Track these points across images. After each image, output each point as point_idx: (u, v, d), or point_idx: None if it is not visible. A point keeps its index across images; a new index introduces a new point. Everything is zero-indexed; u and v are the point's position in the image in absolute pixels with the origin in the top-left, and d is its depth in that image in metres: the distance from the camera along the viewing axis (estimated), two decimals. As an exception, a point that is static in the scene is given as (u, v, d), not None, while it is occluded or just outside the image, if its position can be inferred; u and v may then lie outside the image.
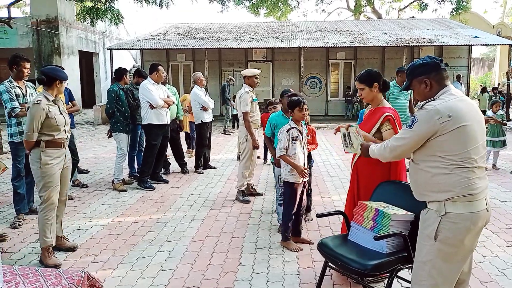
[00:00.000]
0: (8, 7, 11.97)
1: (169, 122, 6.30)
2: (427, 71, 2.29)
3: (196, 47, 14.87)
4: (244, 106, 5.40)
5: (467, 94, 15.96)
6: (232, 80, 12.90)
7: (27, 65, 4.66)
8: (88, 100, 18.90)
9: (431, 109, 2.15)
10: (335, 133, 3.26)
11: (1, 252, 3.81)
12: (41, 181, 3.60)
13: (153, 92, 5.92)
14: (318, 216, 2.99)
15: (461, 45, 14.96)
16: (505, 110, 13.23)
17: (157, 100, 5.89)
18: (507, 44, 15.49)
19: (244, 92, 5.47)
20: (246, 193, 5.56)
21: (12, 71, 4.62)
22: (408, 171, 2.77)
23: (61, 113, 3.71)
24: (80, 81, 17.20)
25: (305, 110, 3.88)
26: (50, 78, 3.64)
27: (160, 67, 6.12)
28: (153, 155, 6.17)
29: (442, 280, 2.20)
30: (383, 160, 2.53)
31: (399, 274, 2.81)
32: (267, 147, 4.60)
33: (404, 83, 2.52)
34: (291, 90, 4.32)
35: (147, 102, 5.91)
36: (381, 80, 3.23)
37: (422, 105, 2.24)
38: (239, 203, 5.38)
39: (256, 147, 5.39)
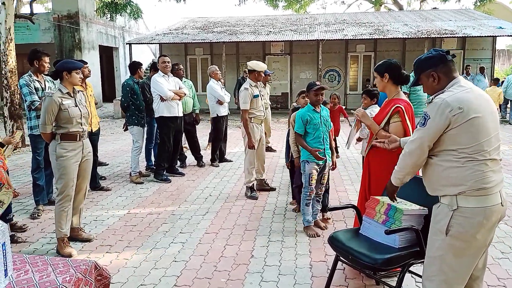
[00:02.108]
0: (31, 3, 12.24)
1: (181, 115, 6.23)
2: (434, 64, 2.24)
3: (214, 41, 14.89)
4: (242, 103, 5.24)
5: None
6: (246, 73, 12.68)
7: (47, 59, 4.76)
8: (109, 94, 19.22)
9: (441, 103, 2.10)
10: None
11: (18, 242, 3.92)
12: (57, 173, 3.67)
13: (162, 84, 5.88)
14: (330, 209, 2.97)
15: (485, 36, 14.52)
16: None
17: (166, 92, 5.85)
18: (534, 35, 14.97)
19: (243, 88, 5.28)
20: (257, 189, 5.51)
21: (32, 66, 4.73)
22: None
23: (77, 106, 3.74)
24: (100, 76, 17.48)
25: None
26: (58, 70, 3.70)
27: (160, 58, 6.10)
28: (166, 148, 6.17)
29: (453, 275, 2.15)
30: (407, 173, 2.31)
31: (413, 269, 2.77)
32: (300, 145, 4.10)
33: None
34: (317, 83, 4.17)
35: (158, 94, 5.93)
36: (395, 72, 3.16)
37: (432, 99, 2.19)
38: (253, 196, 5.38)
39: (251, 147, 5.24)
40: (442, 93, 2.17)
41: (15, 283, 1.59)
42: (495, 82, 12.54)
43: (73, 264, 1.74)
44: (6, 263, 1.57)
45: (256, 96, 5.30)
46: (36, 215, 4.62)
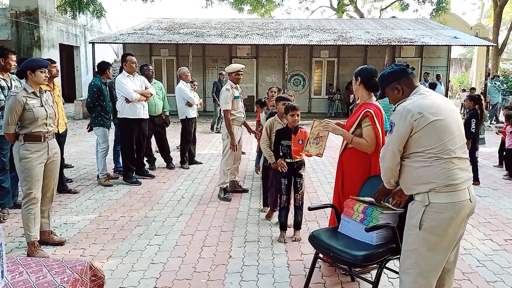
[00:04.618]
0: (-14, -3, 11.67)
1: (146, 116, 6.11)
2: (396, 77, 2.44)
3: (180, 42, 14.77)
4: (223, 104, 5.24)
5: (446, 93, 16.33)
6: (223, 75, 12.40)
7: (14, 57, 4.63)
8: (69, 94, 18.56)
9: (403, 110, 2.29)
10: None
11: None
12: (21, 175, 3.57)
13: (126, 85, 5.76)
14: (310, 209, 3.06)
15: (442, 45, 15.28)
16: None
17: (131, 94, 5.73)
18: (486, 45, 15.92)
19: (225, 89, 5.30)
20: (230, 191, 5.51)
21: None
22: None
23: (43, 106, 3.62)
24: (60, 75, 16.86)
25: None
26: (21, 69, 3.60)
27: (128, 57, 5.95)
28: (129, 150, 6.03)
29: (428, 268, 2.30)
30: (388, 175, 2.46)
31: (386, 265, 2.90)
32: None
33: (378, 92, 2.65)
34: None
35: (123, 96, 5.81)
36: (366, 77, 3.28)
37: (395, 108, 2.39)
38: (226, 198, 5.41)
39: (233, 147, 5.23)
40: (404, 101, 2.36)
41: (11, 284, 1.55)
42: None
43: (68, 265, 1.71)
44: (2, 264, 1.53)
45: (236, 97, 5.31)
46: (1, 219, 4.43)
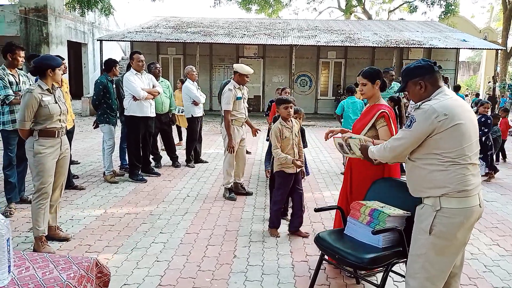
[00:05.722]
0: (-4, -7, 11.76)
1: (153, 115, 6.11)
2: (422, 73, 2.37)
3: (188, 41, 14.80)
4: (225, 104, 5.18)
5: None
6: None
7: (22, 53, 4.63)
8: (76, 91, 18.66)
9: (428, 109, 2.23)
10: (326, 139, 3.37)
11: None
12: (34, 170, 3.59)
13: (134, 83, 5.74)
14: (316, 210, 3.05)
15: (450, 48, 15.19)
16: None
17: (139, 92, 5.72)
18: (495, 49, 15.81)
19: (227, 89, 5.23)
20: (233, 191, 5.47)
21: (6, 59, 4.58)
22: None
23: (57, 102, 3.66)
24: (68, 72, 16.95)
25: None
26: (41, 68, 3.59)
27: (135, 55, 5.93)
28: (135, 147, 6.02)
29: (436, 272, 2.28)
30: (383, 161, 2.57)
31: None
32: None
33: (399, 84, 2.62)
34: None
35: (131, 93, 5.81)
36: (382, 79, 3.30)
37: (419, 105, 2.32)
38: (231, 197, 5.40)
39: (231, 149, 5.19)
40: (429, 100, 2.31)
41: (18, 279, 1.56)
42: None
43: (74, 261, 1.72)
44: (9, 259, 1.54)
45: (239, 98, 5.26)
46: (8, 214, 4.46)
